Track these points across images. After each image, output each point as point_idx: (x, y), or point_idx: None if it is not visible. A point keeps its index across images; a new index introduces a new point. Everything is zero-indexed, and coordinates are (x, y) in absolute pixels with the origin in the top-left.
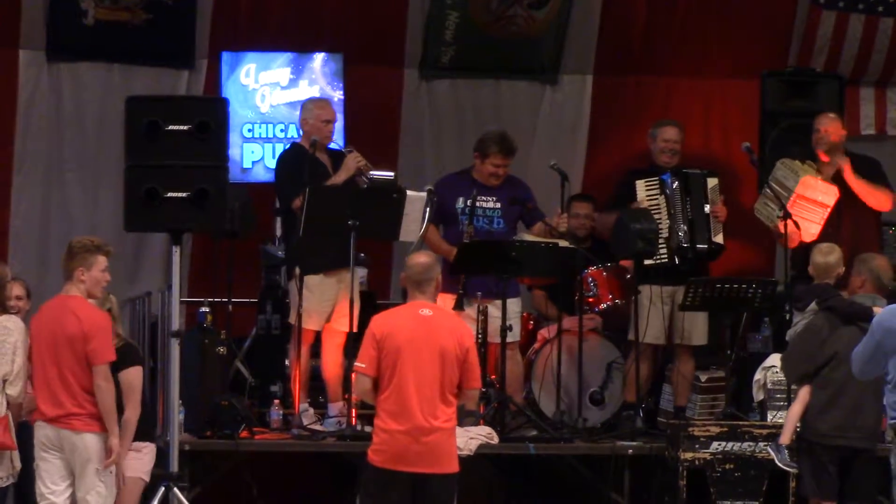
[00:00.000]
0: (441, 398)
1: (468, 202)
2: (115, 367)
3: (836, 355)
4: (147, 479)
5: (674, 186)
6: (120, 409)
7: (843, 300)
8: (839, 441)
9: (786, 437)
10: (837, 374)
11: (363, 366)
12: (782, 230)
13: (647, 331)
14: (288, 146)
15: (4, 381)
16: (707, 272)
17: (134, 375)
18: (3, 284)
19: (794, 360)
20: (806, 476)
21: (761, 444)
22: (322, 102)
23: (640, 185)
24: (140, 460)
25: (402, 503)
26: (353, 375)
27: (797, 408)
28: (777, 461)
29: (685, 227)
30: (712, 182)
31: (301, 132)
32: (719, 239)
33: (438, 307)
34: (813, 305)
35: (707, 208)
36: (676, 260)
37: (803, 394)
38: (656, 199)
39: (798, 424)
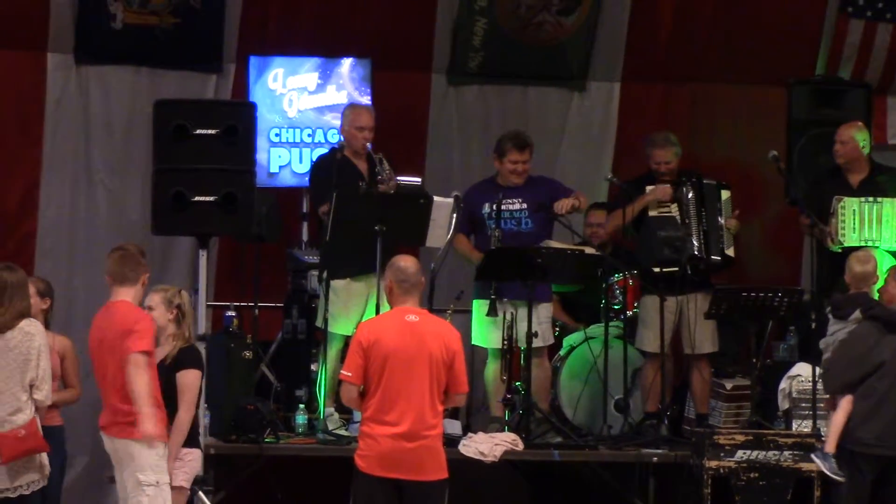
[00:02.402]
0: (428, 405)
1: (493, 206)
2: (175, 368)
3: (882, 364)
4: (188, 487)
5: (689, 196)
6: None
7: (888, 309)
8: (880, 450)
9: (831, 446)
10: (882, 384)
11: (349, 374)
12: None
13: (651, 339)
14: (326, 151)
15: (31, 386)
16: (711, 284)
17: (191, 378)
18: (25, 291)
19: (838, 368)
20: (844, 485)
21: (786, 452)
22: (358, 109)
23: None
24: (182, 468)
25: None
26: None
27: (840, 416)
28: (825, 470)
29: (700, 238)
30: (726, 194)
31: (341, 137)
32: (731, 252)
33: (425, 312)
34: (857, 314)
35: (721, 220)
36: (689, 270)
37: (845, 403)
38: (667, 206)
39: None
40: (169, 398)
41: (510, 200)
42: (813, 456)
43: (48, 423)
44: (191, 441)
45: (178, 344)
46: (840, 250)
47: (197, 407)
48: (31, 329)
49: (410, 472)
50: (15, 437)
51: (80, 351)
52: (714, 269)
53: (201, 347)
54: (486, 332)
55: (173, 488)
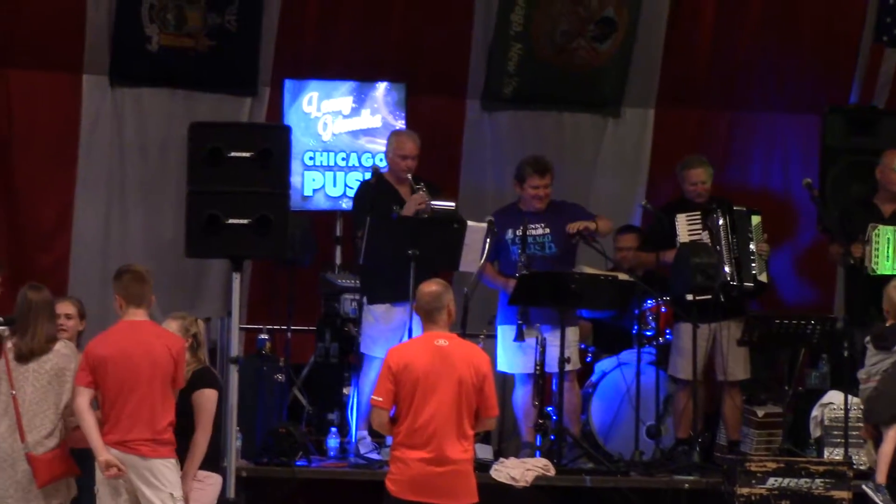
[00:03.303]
0: (458, 429)
1: (517, 232)
2: (191, 389)
3: None
4: None
5: (719, 222)
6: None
7: None
8: None
9: (882, 477)
10: None
11: (380, 399)
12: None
13: (684, 366)
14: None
15: (65, 408)
16: (744, 309)
17: (206, 397)
18: (51, 311)
19: (887, 399)
20: None
21: (818, 480)
22: (403, 137)
23: (682, 220)
24: (202, 490)
25: None
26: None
27: (889, 447)
28: (878, 500)
29: (732, 264)
30: (756, 220)
31: (386, 163)
32: (764, 277)
33: (454, 336)
34: None
35: (752, 246)
36: (721, 297)
37: (894, 434)
38: (698, 234)
39: None
40: (186, 420)
41: (533, 226)
42: (864, 487)
43: (85, 444)
44: (211, 465)
45: (192, 367)
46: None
47: (216, 428)
48: (66, 351)
49: (441, 497)
50: (49, 461)
51: None
52: (747, 296)
53: (233, 370)
54: (512, 358)
55: None
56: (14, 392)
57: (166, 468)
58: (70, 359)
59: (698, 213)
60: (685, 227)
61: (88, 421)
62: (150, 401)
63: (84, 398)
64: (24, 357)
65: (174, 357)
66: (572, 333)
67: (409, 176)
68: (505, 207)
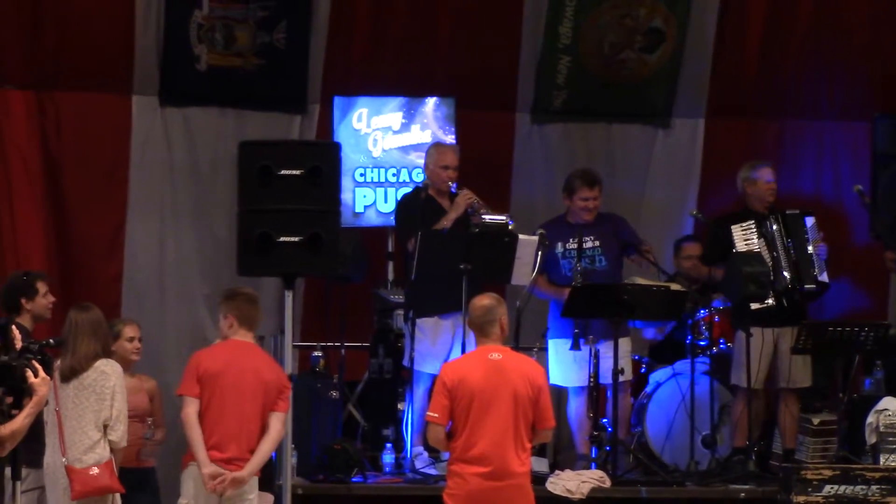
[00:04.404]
0: (515, 442)
1: (567, 245)
2: None
3: None
4: None
5: (773, 228)
6: None
7: None
8: None
9: None
10: None
11: (436, 415)
12: None
13: (756, 375)
14: (410, 190)
15: (105, 427)
16: (806, 314)
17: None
18: (105, 329)
19: None
20: None
21: (874, 487)
22: (443, 148)
23: (736, 231)
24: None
25: None
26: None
27: None
28: None
29: (791, 268)
30: (810, 221)
31: (426, 176)
32: (824, 278)
33: (508, 350)
34: None
35: (809, 248)
36: (785, 302)
37: None
38: (754, 242)
39: None
40: None
41: (584, 238)
42: None
43: (141, 464)
44: (265, 484)
45: None
46: None
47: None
48: (106, 369)
49: None
50: (88, 475)
51: (168, 391)
52: (810, 298)
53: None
54: (566, 371)
55: None
56: (58, 409)
57: (255, 484)
58: (110, 377)
59: (752, 222)
60: (741, 238)
61: (196, 432)
62: (253, 420)
63: (192, 408)
64: (65, 376)
65: (282, 383)
66: (626, 344)
67: (454, 186)
68: (552, 220)
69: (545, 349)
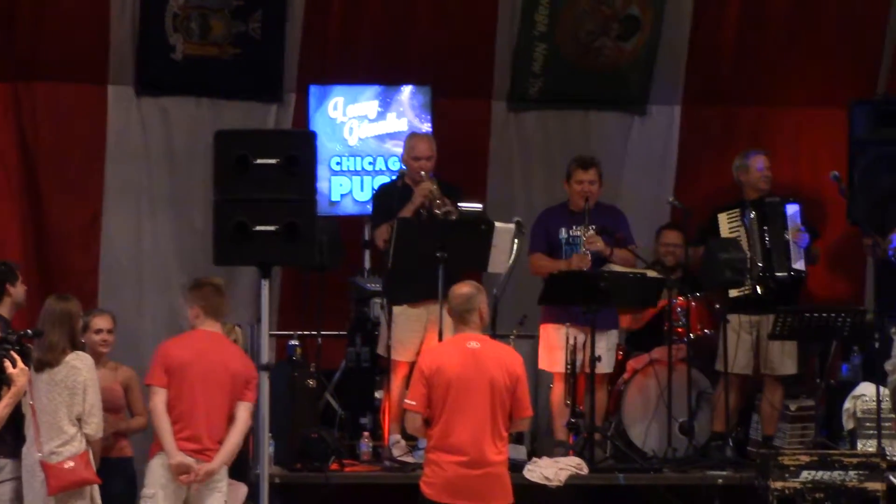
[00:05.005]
0: (492, 431)
1: (569, 232)
2: None
3: None
4: None
5: (751, 216)
6: None
7: None
8: None
9: None
10: None
11: (413, 403)
12: None
13: (734, 361)
14: (390, 180)
15: (80, 420)
16: (796, 301)
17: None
18: (73, 320)
19: None
20: None
21: (851, 472)
22: (415, 140)
23: (723, 219)
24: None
25: None
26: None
27: None
28: None
29: (763, 257)
30: (792, 209)
31: (402, 166)
32: (800, 266)
33: (486, 338)
34: None
35: (787, 235)
36: (759, 290)
37: None
38: (738, 230)
39: None
40: None
41: (585, 227)
42: (892, 477)
43: (116, 454)
44: (238, 473)
45: None
46: None
47: (248, 437)
48: (77, 363)
49: (476, 499)
50: (63, 469)
51: None
52: (786, 286)
53: (265, 377)
54: (553, 357)
55: None
56: (32, 402)
57: (225, 473)
58: (80, 371)
59: (736, 210)
60: (726, 225)
61: (164, 423)
62: (222, 411)
63: (160, 398)
64: (38, 367)
65: (250, 373)
66: (613, 337)
67: (424, 174)
68: (556, 206)
69: (522, 336)
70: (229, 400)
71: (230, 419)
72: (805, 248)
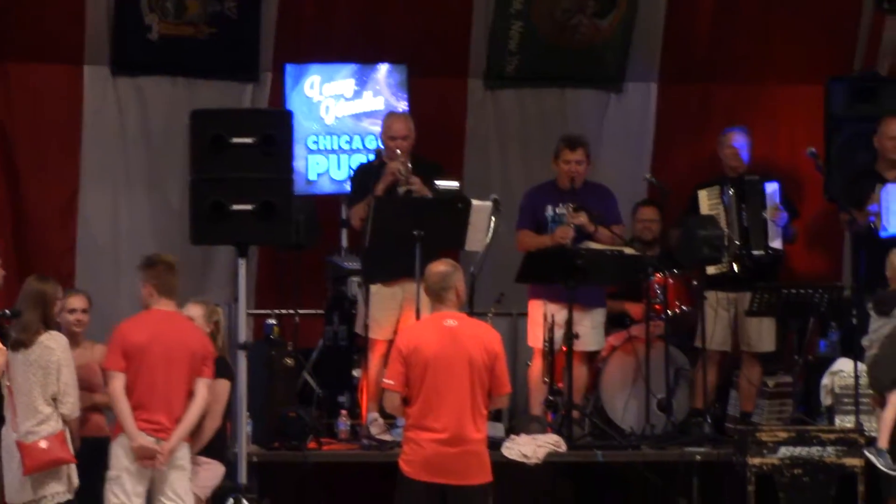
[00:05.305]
0: (471, 409)
1: (555, 210)
2: None
3: None
4: (202, 497)
5: (730, 194)
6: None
7: None
8: None
9: (884, 442)
10: None
11: (391, 382)
12: None
13: (712, 337)
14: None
15: (55, 400)
16: (776, 278)
17: (220, 388)
18: (47, 301)
19: (887, 364)
20: (893, 478)
21: (829, 448)
22: (391, 119)
23: (703, 196)
24: (202, 474)
25: None
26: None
27: (891, 412)
28: (881, 466)
29: (740, 235)
30: (771, 187)
31: (381, 145)
32: (777, 244)
33: (463, 316)
34: None
35: (764, 214)
36: (735, 268)
37: (895, 398)
38: (717, 208)
39: None
40: None
41: (570, 205)
42: (866, 452)
43: (94, 433)
44: (215, 453)
45: None
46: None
47: (225, 418)
48: (50, 343)
49: (455, 477)
50: (37, 448)
51: None
52: (763, 265)
53: (242, 356)
54: (534, 333)
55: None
56: (8, 383)
57: (187, 451)
58: (54, 351)
59: (716, 188)
60: (706, 202)
61: (123, 406)
62: (181, 389)
63: (119, 382)
64: (14, 347)
65: (207, 349)
66: (599, 315)
67: (398, 153)
68: (543, 184)
69: (499, 314)
70: (188, 378)
71: (190, 397)
72: (783, 226)
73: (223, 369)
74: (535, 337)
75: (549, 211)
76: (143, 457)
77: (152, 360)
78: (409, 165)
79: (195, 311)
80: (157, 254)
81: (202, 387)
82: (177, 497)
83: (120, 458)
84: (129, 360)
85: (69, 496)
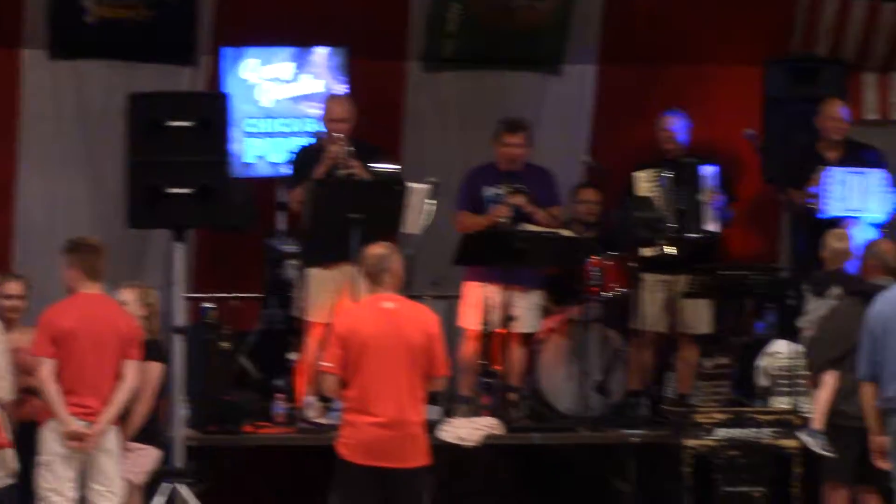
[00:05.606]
0: (409, 391)
1: (495, 191)
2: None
3: None
4: (137, 482)
5: (667, 176)
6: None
7: (869, 284)
8: (864, 424)
9: (819, 423)
10: None
11: (329, 365)
12: None
13: (648, 319)
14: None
15: None
16: (712, 261)
17: (153, 371)
18: None
19: (822, 345)
20: (828, 460)
21: (766, 430)
22: (331, 102)
23: (640, 178)
24: (136, 461)
25: (371, 497)
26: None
27: (825, 393)
28: (815, 447)
29: (676, 217)
30: (709, 170)
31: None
32: (713, 227)
33: (401, 298)
34: (836, 291)
35: (701, 197)
36: (670, 250)
37: (829, 379)
38: (655, 190)
39: None
40: None
41: (510, 186)
42: (799, 434)
43: (32, 417)
44: (149, 438)
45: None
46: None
47: (158, 401)
48: None
49: (393, 460)
50: None
51: None
52: (699, 247)
53: (178, 340)
54: (469, 314)
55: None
56: None
57: (115, 434)
58: None
59: (655, 169)
60: (643, 184)
61: (53, 391)
62: (111, 372)
63: (48, 369)
64: None
65: (134, 332)
66: (536, 297)
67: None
68: (484, 165)
69: (437, 297)
70: (117, 361)
71: (118, 379)
72: (719, 210)
73: (155, 352)
74: (469, 318)
75: (488, 191)
76: (73, 440)
77: (81, 345)
78: (350, 148)
79: (128, 295)
80: (81, 237)
81: (130, 369)
82: (107, 481)
83: (50, 443)
84: (58, 345)
85: (10, 480)
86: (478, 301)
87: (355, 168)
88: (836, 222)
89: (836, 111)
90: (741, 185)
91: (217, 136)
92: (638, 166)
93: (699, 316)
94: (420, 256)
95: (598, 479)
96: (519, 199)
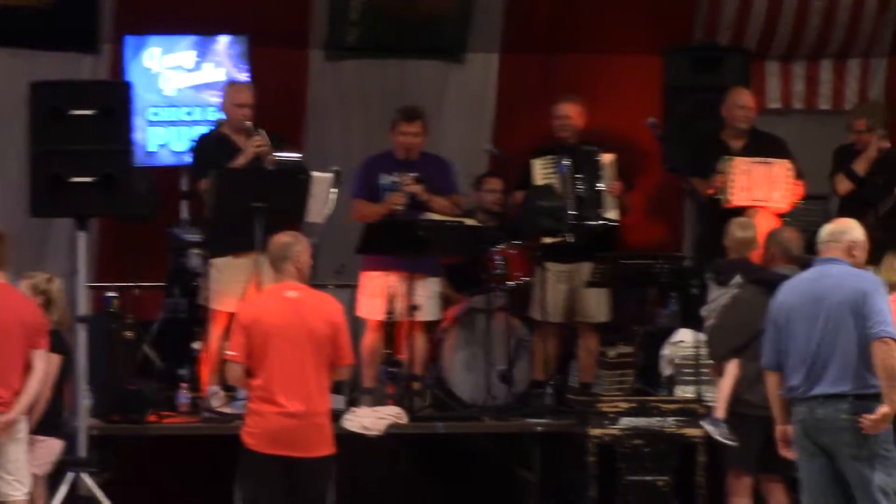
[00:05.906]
0: (314, 380)
1: (391, 179)
2: None
3: None
4: (41, 474)
5: (565, 164)
6: None
7: (772, 273)
8: (767, 412)
9: (721, 412)
10: None
11: (234, 353)
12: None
13: (549, 309)
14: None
15: None
16: (612, 249)
17: (50, 361)
18: None
19: (724, 333)
20: (732, 448)
21: (670, 419)
22: (238, 87)
23: (537, 165)
24: (37, 452)
25: (277, 486)
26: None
27: (727, 382)
28: (717, 435)
29: (577, 204)
30: (607, 158)
31: (223, 114)
32: (612, 215)
33: (305, 287)
34: (738, 279)
35: (600, 184)
36: (571, 238)
37: (732, 368)
38: (552, 177)
39: None
40: None
41: (406, 175)
42: (702, 422)
43: None
44: (50, 429)
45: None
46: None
47: (58, 392)
48: None
49: (298, 449)
50: None
51: None
52: (598, 235)
53: (81, 329)
54: (370, 304)
55: None
56: None
57: (25, 424)
58: None
59: (551, 157)
60: (540, 172)
61: None
62: (18, 362)
63: None
64: None
65: (40, 320)
66: (433, 284)
67: (249, 124)
68: (381, 154)
69: (341, 285)
70: (24, 351)
71: (27, 369)
72: (618, 198)
73: (56, 343)
74: (370, 308)
75: (384, 179)
76: None
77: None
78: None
79: (22, 286)
80: None
81: (39, 359)
82: (17, 471)
83: None
84: None
85: None
86: (379, 290)
87: (283, 153)
88: (739, 211)
89: (743, 99)
90: (642, 173)
91: (120, 124)
92: (534, 153)
93: (599, 305)
94: (323, 245)
95: (503, 468)
96: (415, 188)
